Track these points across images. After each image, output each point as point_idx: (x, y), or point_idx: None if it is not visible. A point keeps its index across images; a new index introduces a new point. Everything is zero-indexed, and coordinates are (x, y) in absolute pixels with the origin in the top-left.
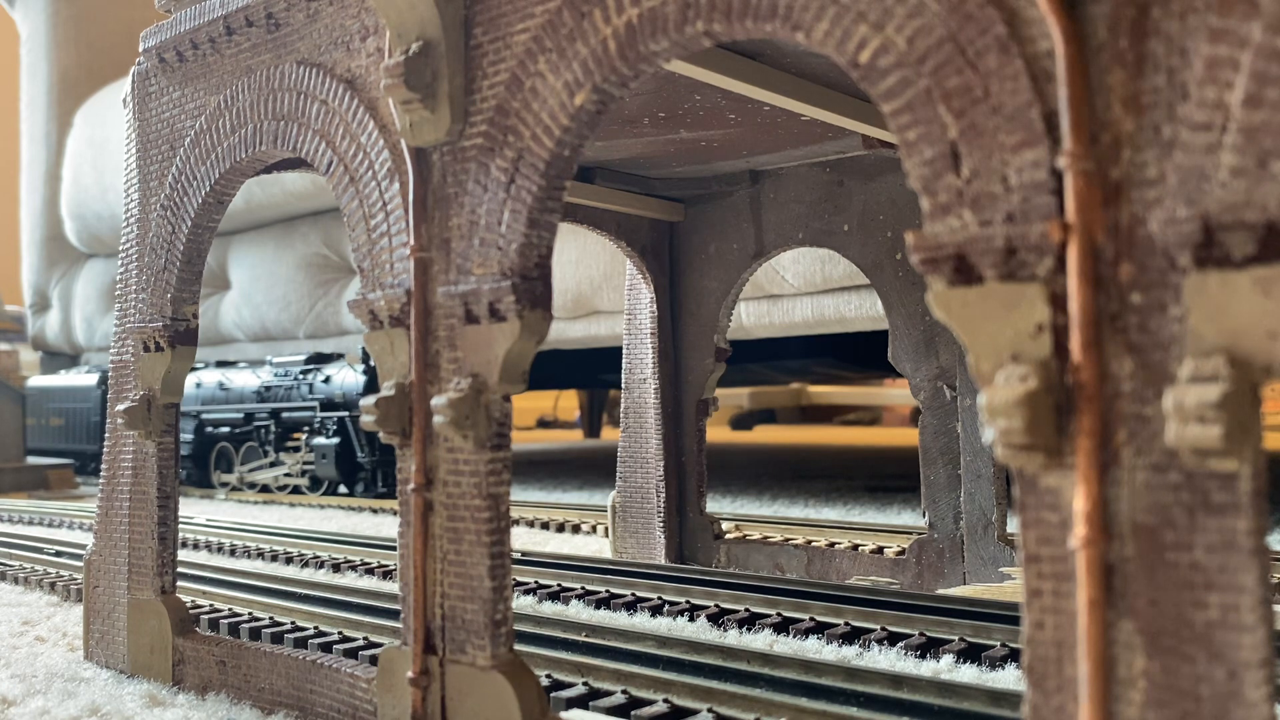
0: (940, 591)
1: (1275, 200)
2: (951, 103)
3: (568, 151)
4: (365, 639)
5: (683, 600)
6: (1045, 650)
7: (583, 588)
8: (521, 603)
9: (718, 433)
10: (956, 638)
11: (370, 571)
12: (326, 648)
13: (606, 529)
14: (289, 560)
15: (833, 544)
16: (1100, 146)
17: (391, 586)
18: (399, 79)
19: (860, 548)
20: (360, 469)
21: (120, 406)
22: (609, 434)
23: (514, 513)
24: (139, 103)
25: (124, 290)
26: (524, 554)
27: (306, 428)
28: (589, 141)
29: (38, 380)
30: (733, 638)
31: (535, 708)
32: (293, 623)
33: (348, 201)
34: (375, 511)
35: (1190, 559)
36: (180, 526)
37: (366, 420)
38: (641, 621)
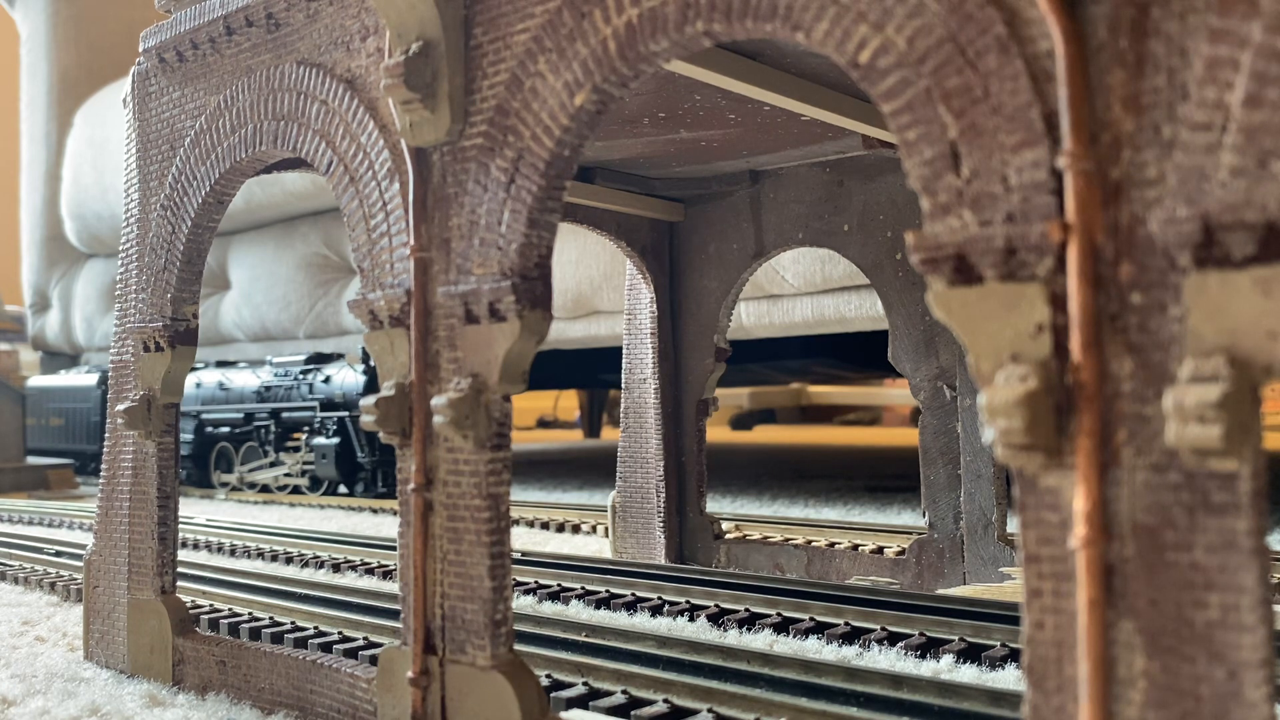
0: (940, 591)
1: (1275, 200)
2: (951, 103)
3: (568, 151)
4: (365, 639)
5: (683, 600)
6: (1045, 650)
7: (583, 588)
8: (521, 603)
9: (718, 433)
10: (956, 638)
11: (370, 571)
12: (326, 648)
13: (606, 529)
14: (289, 560)
15: (833, 544)
16: (1100, 146)
17: (391, 586)
18: (399, 79)
19: (860, 548)
20: (360, 469)
21: (120, 406)
22: (609, 434)
23: (514, 513)
24: (139, 103)
25: (124, 290)
26: (524, 554)
27: (306, 428)
28: (589, 141)
29: (38, 380)
30: (733, 638)
31: (535, 708)
32: (293, 623)
33: (348, 201)
34: (375, 511)
35: (1190, 559)
36: (180, 526)
37: (366, 420)
38: (641, 621)
